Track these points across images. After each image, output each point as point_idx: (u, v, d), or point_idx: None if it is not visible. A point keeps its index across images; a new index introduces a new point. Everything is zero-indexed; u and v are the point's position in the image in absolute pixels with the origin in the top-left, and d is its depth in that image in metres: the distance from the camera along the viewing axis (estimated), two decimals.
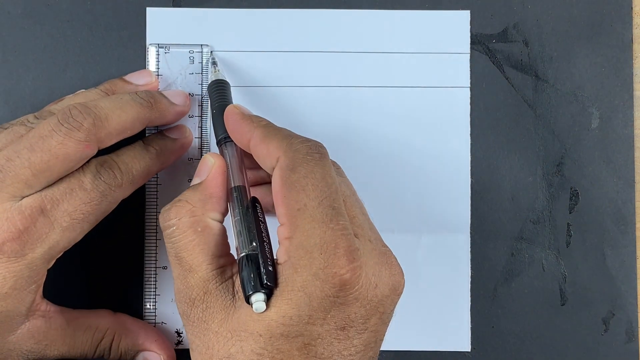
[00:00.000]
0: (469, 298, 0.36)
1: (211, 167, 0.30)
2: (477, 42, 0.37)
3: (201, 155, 0.36)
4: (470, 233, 0.36)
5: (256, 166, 0.30)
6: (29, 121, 0.32)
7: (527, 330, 0.36)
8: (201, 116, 0.36)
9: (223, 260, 0.28)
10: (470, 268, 0.36)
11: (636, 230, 0.37)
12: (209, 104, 0.34)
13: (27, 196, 0.29)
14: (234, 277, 0.28)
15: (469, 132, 0.37)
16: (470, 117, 0.37)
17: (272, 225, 0.28)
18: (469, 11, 0.37)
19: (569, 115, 0.37)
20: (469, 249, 0.36)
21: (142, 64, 0.36)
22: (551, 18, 0.37)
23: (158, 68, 0.36)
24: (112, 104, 0.31)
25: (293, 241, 0.26)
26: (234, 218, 0.29)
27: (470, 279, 0.36)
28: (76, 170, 0.30)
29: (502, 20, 0.37)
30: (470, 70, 0.37)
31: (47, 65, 0.36)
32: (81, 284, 0.36)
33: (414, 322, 0.36)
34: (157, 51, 0.36)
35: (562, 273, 0.37)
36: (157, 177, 0.36)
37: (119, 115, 0.31)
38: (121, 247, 0.36)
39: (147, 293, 0.36)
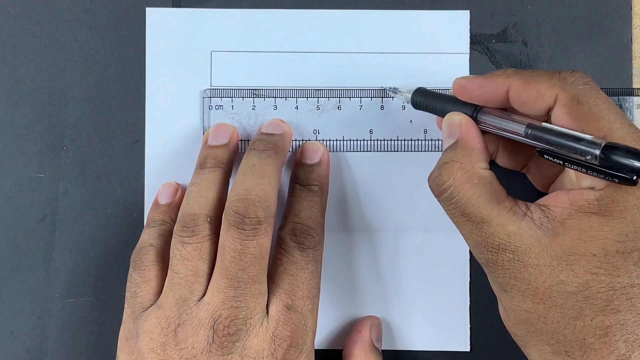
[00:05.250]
0: (469, 298, 0.36)
1: (459, 124, 0.30)
2: (477, 42, 0.37)
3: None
4: None
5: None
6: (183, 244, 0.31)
7: None
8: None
9: (507, 202, 0.29)
10: (470, 268, 0.36)
11: None
12: (431, 107, 0.33)
13: (268, 306, 0.31)
14: (529, 213, 0.28)
15: None
16: None
17: None
18: (468, 11, 0.37)
19: None
20: (469, 249, 0.36)
21: (141, 64, 0.36)
22: (550, 18, 0.37)
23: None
24: (257, 180, 0.31)
25: None
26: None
27: (470, 279, 0.36)
28: (278, 252, 0.32)
29: (502, 20, 0.37)
30: (470, 71, 0.37)
31: (47, 65, 0.36)
32: (83, 283, 0.36)
33: (414, 322, 0.36)
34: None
35: None
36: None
37: (268, 182, 0.31)
38: (121, 247, 0.36)
39: None
